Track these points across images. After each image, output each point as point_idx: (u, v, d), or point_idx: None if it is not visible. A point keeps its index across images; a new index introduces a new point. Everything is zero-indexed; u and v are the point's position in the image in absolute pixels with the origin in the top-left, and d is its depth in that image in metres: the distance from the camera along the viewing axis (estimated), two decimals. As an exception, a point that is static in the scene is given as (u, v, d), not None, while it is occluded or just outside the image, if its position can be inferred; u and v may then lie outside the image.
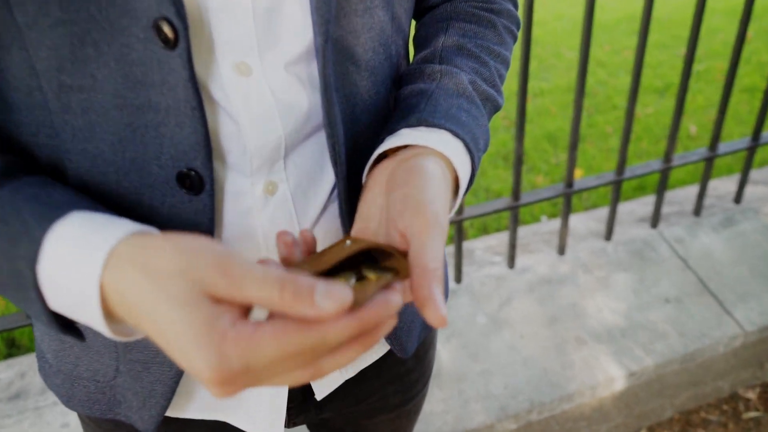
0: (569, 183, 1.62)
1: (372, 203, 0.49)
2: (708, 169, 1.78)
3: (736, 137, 3.03)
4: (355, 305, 0.36)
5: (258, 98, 0.49)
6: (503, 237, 1.87)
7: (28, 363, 1.56)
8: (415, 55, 0.63)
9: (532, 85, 3.66)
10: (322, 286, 0.35)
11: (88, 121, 0.46)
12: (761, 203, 1.97)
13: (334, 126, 0.51)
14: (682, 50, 4.01)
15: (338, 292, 0.35)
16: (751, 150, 1.82)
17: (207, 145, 0.47)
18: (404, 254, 0.45)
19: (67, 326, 0.44)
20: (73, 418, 1.37)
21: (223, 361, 0.34)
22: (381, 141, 0.53)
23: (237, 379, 0.35)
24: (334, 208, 0.58)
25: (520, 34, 1.38)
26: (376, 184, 0.50)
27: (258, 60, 0.48)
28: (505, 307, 1.64)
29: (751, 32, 4.18)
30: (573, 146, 1.57)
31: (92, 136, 0.47)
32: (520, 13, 1.14)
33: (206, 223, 0.50)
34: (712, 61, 3.82)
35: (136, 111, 0.46)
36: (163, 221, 0.49)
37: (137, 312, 0.37)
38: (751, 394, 1.77)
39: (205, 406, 0.61)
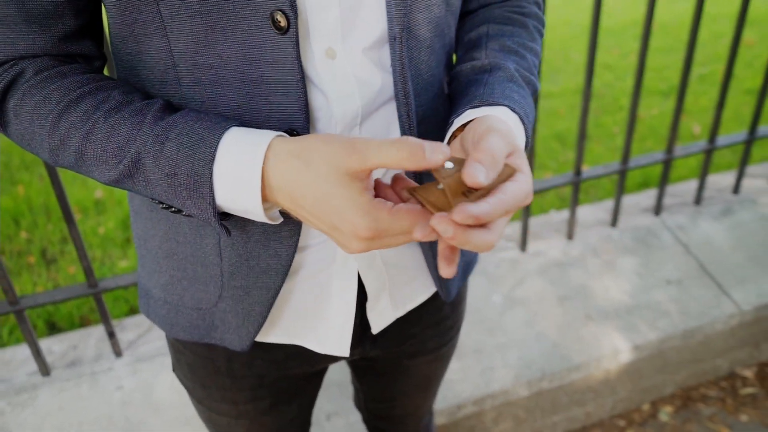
0: (578, 171, 1.75)
1: None
2: (707, 160, 1.91)
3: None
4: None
5: (342, 77, 0.62)
6: (516, 226, 2.00)
7: (77, 338, 1.69)
8: (459, 55, 0.74)
9: (541, 87, 3.78)
10: (428, 143, 0.49)
11: (215, 91, 0.60)
12: (759, 195, 2.10)
13: (408, 97, 0.64)
14: (686, 54, 4.14)
15: (440, 147, 0.49)
16: (748, 143, 1.94)
17: (306, 111, 0.60)
18: None
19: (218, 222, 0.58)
20: (127, 382, 1.50)
21: (376, 219, 0.50)
22: (450, 124, 0.65)
23: (380, 234, 0.50)
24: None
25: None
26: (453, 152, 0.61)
27: (341, 46, 0.61)
28: (518, 287, 1.77)
29: (755, 37, 4.30)
30: (581, 136, 1.70)
31: (219, 103, 0.60)
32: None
33: None
34: (716, 65, 3.94)
35: (252, 83, 0.59)
36: None
37: (294, 189, 0.52)
38: (748, 373, 1.89)
39: (285, 331, 0.74)
